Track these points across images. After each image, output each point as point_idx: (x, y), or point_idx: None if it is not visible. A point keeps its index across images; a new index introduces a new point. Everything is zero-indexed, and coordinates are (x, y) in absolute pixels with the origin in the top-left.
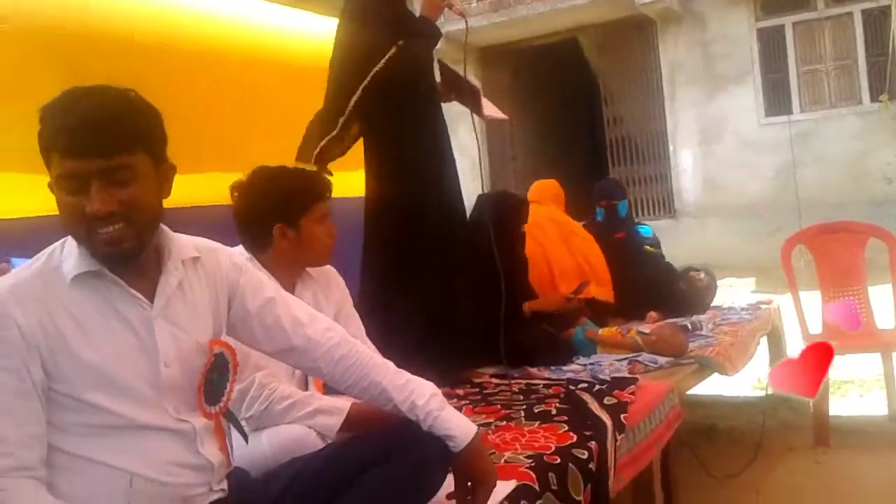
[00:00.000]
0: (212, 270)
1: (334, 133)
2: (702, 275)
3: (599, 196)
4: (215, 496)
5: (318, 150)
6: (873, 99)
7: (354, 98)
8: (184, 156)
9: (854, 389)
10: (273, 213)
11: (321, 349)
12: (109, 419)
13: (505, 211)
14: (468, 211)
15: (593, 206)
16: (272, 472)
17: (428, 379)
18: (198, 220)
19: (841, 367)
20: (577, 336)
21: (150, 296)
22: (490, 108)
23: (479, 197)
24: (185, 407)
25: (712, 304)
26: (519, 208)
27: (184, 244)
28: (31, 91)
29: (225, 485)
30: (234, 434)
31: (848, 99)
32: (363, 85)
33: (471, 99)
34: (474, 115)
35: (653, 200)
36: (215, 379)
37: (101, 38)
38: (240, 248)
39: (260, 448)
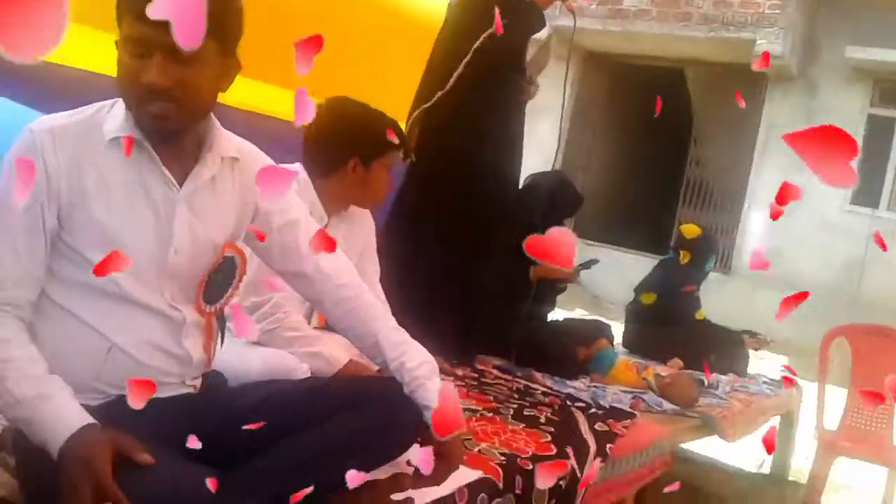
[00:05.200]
0: (247, 176)
1: (428, 105)
2: (758, 337)
3: (709, 247)
4: (185, 390)
5: (410, 119)
6: None
7: (456, 73)
8: (273, 64)
9: (850, 496)
10: (354, 146)
11: (329, 283)
12: (106, 284)
13: (559, 196)
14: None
15: (661, 237)
16: (247, 385)
17: (433, 348)
18: (264, 130)
19: (844, 471)
20: (602, 354)
21: (181, 181)
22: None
23: (534, 175)
24: (181, 297)
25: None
26: (573, 198)
27: (228, 142)
28: None
29: (198, 383)
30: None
31: None
32: (465, 60)
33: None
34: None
35: None
36: (219, 280)
37: None
38: (297, 166)
39: (248, 361)
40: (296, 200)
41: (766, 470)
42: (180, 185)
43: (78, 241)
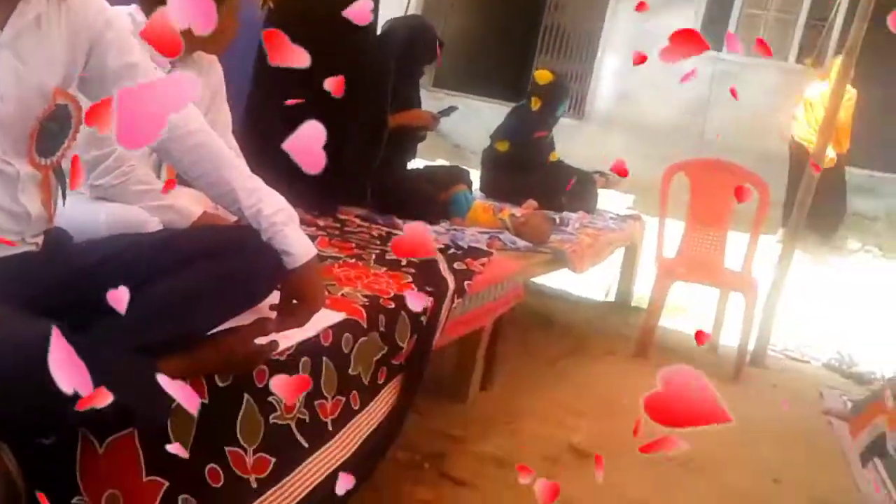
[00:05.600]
0: (77, 15)
1: None
2: (608, 177)
3: (560, 92)
4: (26, 248)
5: None
6: (799, 60)
7: None
8: None
9: (687, 316)
10: None
11: (177, 131)
12: None
13: (417, 41)
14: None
15: (519, 85)
16: (96, 240)
17: (293, 200)
18: None
19: (681, 294)
20: (459, 196)
21: (2, 24)
22: None
23: (392, 20)
24: (12, 150)
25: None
26: (432, 44)
27: None
28: None
29: (40, 240)
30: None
31: (777, 52)
32: None
33: None
34: None
35: None
36: (53, 129)
37: None
38: (133, 7)
39: (94, 218)
40: (134, 43)
41: (612, 298)
42: (1, 28)
43: None
